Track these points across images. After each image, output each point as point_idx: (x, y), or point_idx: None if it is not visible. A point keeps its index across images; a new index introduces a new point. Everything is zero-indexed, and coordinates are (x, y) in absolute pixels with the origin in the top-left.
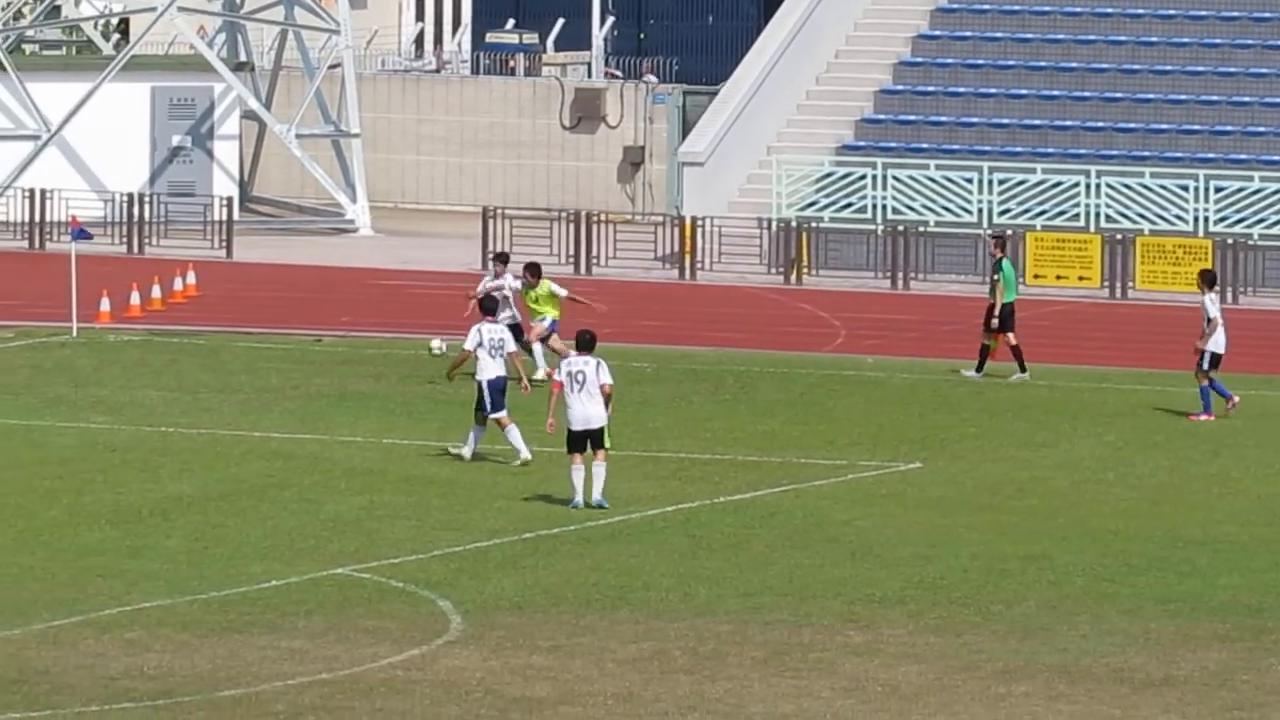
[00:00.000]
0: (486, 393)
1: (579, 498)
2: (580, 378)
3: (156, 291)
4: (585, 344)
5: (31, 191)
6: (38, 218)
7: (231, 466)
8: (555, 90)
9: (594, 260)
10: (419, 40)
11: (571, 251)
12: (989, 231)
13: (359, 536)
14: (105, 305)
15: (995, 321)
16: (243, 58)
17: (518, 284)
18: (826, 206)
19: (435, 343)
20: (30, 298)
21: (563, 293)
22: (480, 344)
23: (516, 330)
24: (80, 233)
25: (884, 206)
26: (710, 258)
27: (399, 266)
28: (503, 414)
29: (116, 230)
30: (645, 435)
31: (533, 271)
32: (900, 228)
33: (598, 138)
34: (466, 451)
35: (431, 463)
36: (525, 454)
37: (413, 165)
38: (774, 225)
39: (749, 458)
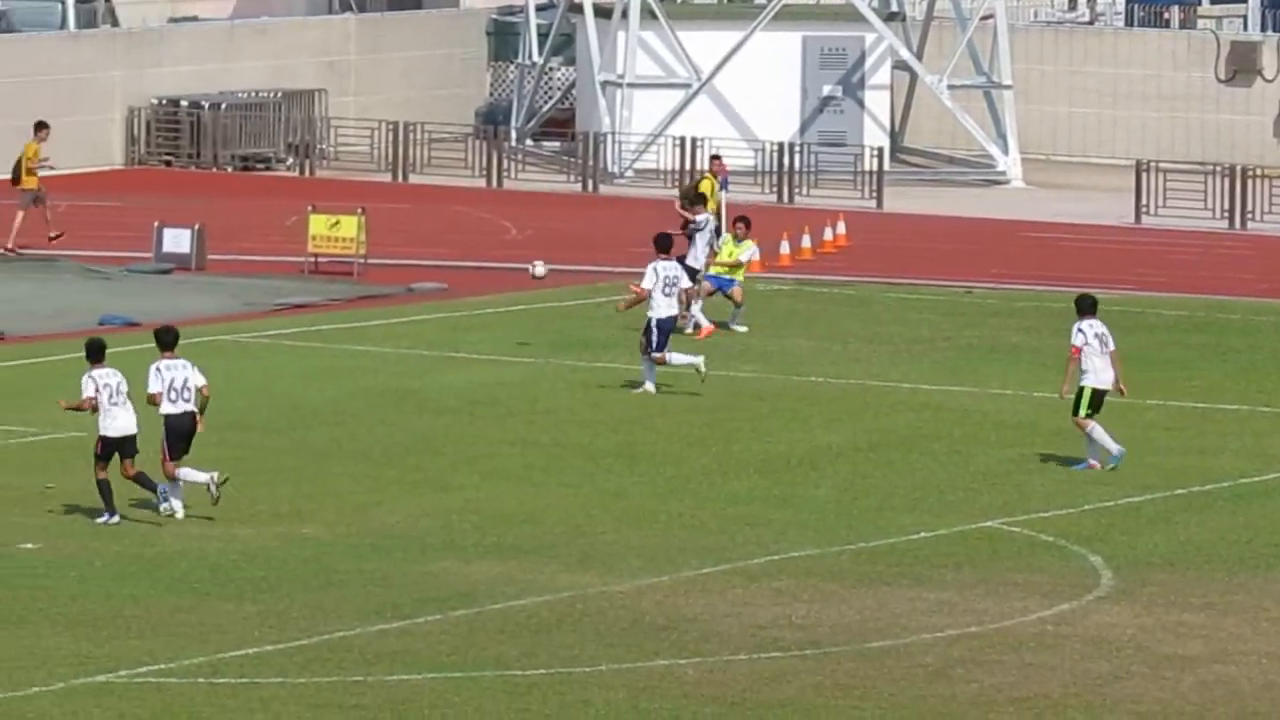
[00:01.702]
0: (655, 331)
1: (1116, 448)
2: (1106, 340)
3: (806, 241)
4: (1090, 307)
5: (681, 139)
6: (688, 165)
7: (880, 417)
8: (1210, 43)
9: (1249, 215)
10: None
11: (1226, 206)
12: None
13: (1009, 490)
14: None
15: None
16: (894, 8)
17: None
18: None
19: (538, 269)
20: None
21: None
22: (656, 283)
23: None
24: (724, 182)
25: None
26: None
27: (1050, 219)
28: (664, 354)
29: (766, 179)
30: None
31: (747, 224)
32: None
33: (1253, 91)
34: (650, 386)
35: None
36: (700, 364)
37: (1065, 117)
38: None
39: None
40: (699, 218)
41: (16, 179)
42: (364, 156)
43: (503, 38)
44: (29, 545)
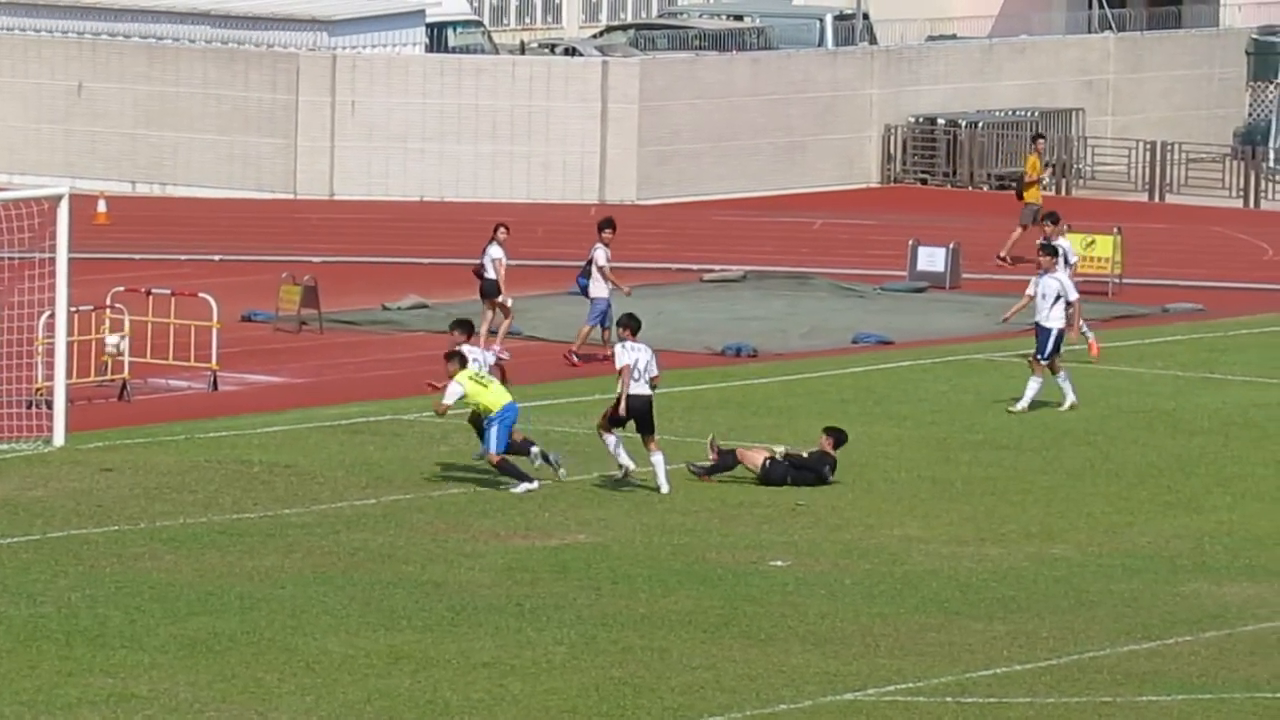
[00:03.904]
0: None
1: None
2: None
3: None
4: None
5: None
6: None
7: None
8: None
9: None
10: None
11: None
12: None
13: None
14: None
15: None
16: None
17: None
18: None
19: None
20: None
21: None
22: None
23: None
24: None
25: None
26: None
27: None
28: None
29: None
30: None
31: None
32: None
33: None
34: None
35: None
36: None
37: None
38: None
39: None
40: None
41: (1020, 194)
42: (1120, 176)
43: (1262, 58)
44: (779, 562)
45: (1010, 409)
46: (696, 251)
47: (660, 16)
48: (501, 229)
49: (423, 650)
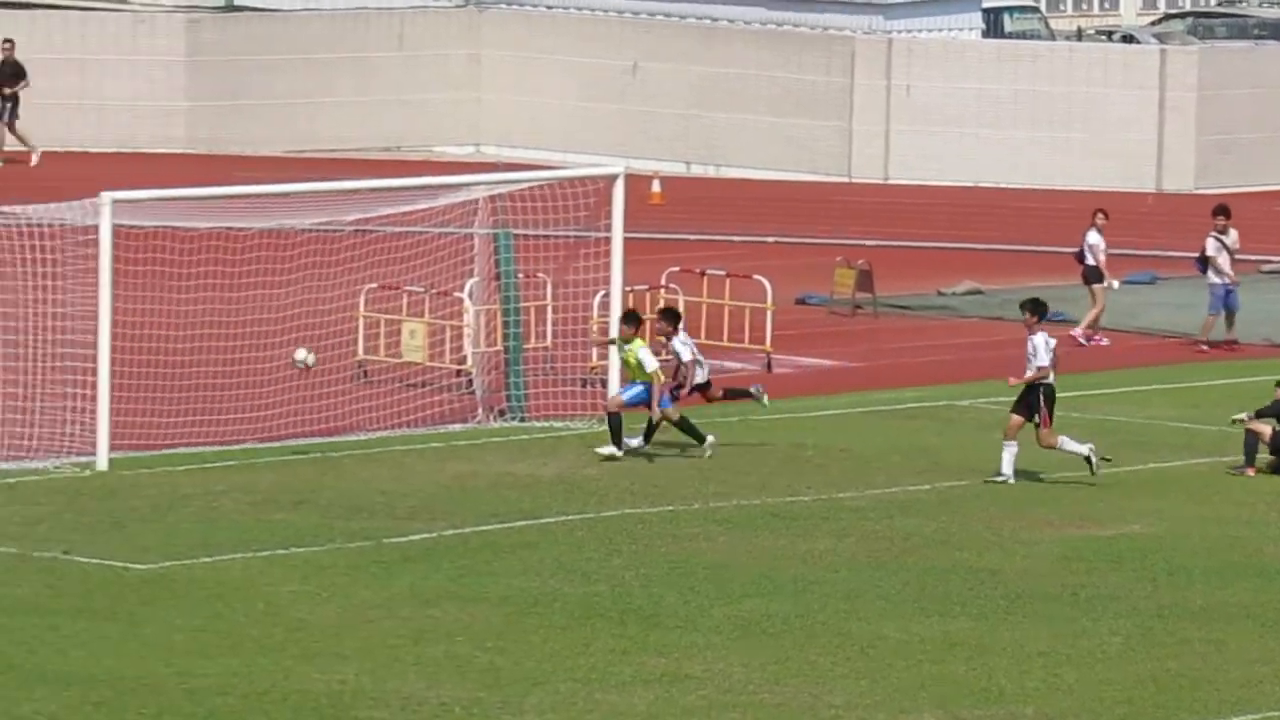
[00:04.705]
0: None
1: None
2: None
3: None
4: None
5: None
6: None
7: None
8: None
9: None
10: None
11: None
12: None
13: None
14: None
15: None
16: None
17: None
18: None
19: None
20: None
21: None
22: None
23: None
24: None
25: None
26: None
27: None
28: None
29: None
30: None
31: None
32: None
33: None
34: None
35: None
36: None
37: None
38: None
39: None
40: None
41: None
42: None
43: None
44: None
45: None
46: (1255, 243)
47: (1219, 5)
48: (1100, 214)
49: (977, 637)
